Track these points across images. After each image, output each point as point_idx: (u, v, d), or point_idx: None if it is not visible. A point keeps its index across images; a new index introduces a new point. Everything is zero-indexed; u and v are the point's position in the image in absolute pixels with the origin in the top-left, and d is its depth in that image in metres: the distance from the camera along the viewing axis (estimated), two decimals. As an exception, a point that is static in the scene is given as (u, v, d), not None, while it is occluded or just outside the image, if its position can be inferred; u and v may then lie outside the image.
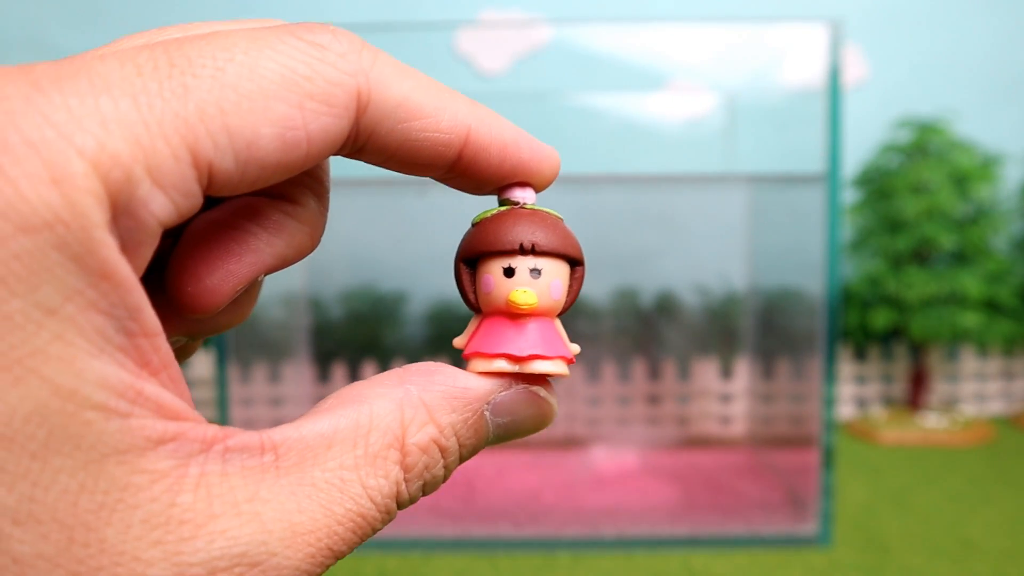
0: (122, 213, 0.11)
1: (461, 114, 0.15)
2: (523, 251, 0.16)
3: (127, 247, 0.12)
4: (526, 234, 0.16)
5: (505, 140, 0.16)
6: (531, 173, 0.17)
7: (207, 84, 0.12)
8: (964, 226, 0.72)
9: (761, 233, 0.68)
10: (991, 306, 0.74)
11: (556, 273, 0.16)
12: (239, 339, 0.57)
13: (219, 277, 0.15)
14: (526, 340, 0.16)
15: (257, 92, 0.12)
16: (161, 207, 0.12)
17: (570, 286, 0.17)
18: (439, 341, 0.69)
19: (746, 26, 0.63)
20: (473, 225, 0.17)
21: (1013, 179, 0.80)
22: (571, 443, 0.71)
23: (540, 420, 0.17)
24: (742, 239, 0.70)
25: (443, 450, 0.15)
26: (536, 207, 0.17)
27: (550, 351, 0.16)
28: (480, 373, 0.16)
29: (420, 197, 0.64)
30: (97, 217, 0.11)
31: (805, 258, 0.52)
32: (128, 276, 0.11)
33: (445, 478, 0.15)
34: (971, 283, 0.70)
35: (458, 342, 0.17)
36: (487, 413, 0.16)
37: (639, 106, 0.76)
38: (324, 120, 0.13)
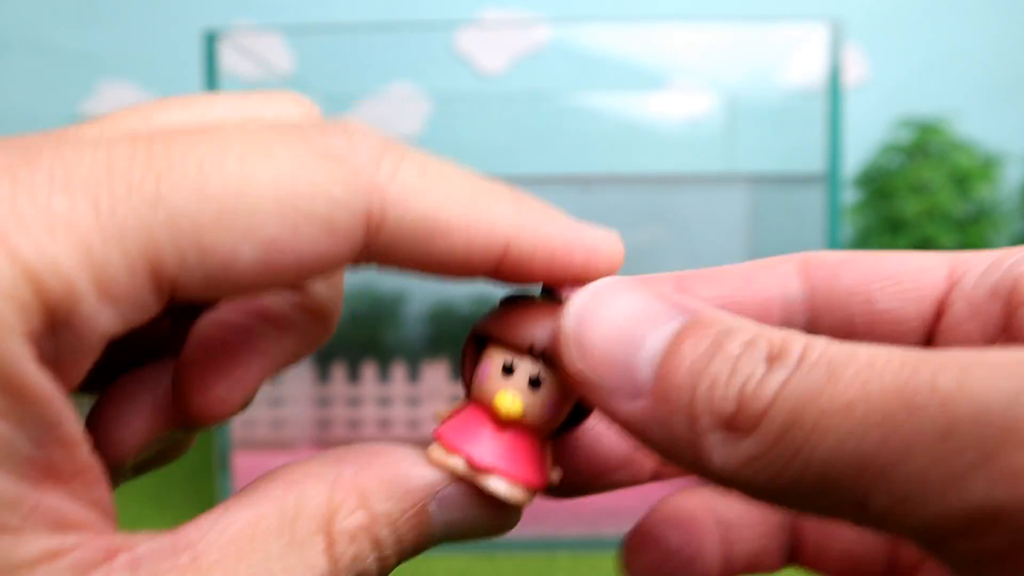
0: (59, 325, 0.10)
1: (499, 225, 0.13)
2: (532, 354, 0.14)
3: (61, 359, 0.11)
4: (541, 337, 0.14)
5: (554, 246, 0.14)
6: (584, 277, 0.14)
7: (185, 194, 0.11)
8: (965, 226, 0.72)
9: (761, 233, 0.68)
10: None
11: (560, 392, 0.14)
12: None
13: (228, 386, 0.14)
14: (495, 448, 0.14)
15: (243, 209, 0.11)
16: (107, 322, 0.11)
17: (569, 414, 0.15)
18: (439, 341, 0.69)
19: (746, 26, 0.63)
20: (499, 303, 0.15)
21: (1014, 179, 0.80)
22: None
23: (496, 525, 0.15)
24: (742, 239, 0.70)
25: (375, 541, 0.13)
26: None
27: (514, 471, 0.14)
28: (433, 462, 0.14)
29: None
30: (15, 326, 0.10)
31: (805, 258, 0.52)
32: (45, 390, 0.10)
33: None
34: (971, 283, 0.70)
35: (439, 413, 0.15)
36: (432, 507, 0.14)
37: (639, 106, 0.76)
38: (321, 245, 0.11)
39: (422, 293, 0.69)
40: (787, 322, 0.15)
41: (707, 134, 0.76)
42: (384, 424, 0.74)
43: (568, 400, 0.15)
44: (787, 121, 0.59)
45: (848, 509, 0.10)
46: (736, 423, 0.11)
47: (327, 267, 0.12)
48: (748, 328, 0.12)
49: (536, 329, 0.14)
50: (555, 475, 0.15)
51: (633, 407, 0.12)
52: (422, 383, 0.73)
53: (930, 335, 0.14)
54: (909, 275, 0.14)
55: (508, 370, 0.14)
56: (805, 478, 0.10)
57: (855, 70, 0.80)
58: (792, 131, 0.57)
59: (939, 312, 0.14)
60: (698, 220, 0.71)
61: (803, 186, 0.52)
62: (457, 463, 0.14)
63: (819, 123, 0.49)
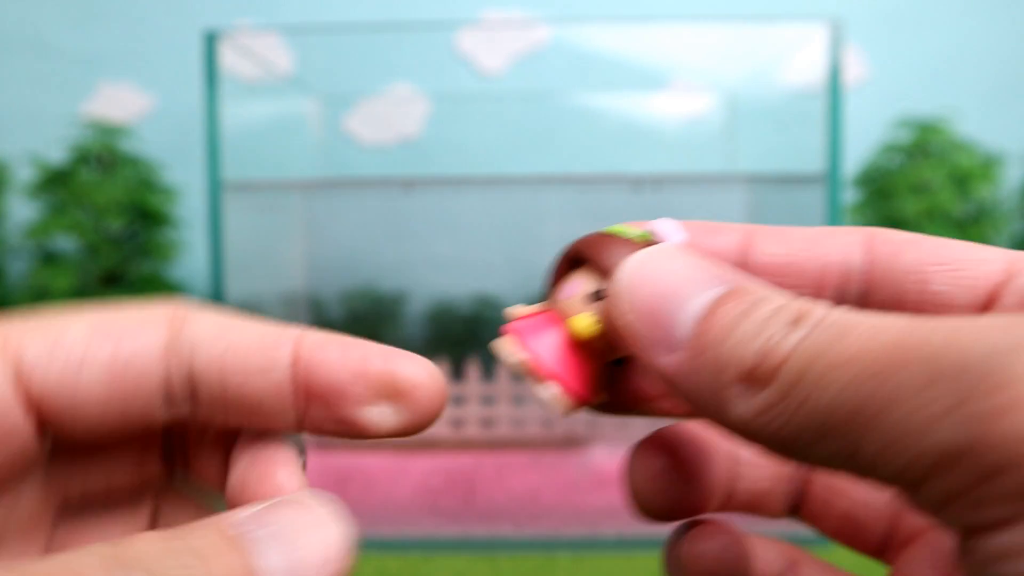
0: None
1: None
2: None
3: None
4: None
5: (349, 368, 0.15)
6: (391, 393, 0.15)
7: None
8: (965, 226, 0.72)
9: (761, 233, 0.68)
10: (991, 306, 0.74)
11: None
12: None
13: (278, 486, 0.15)
14: (560, 359, 0.15)
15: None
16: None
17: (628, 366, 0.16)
18: (439, 341, 0.69)
19: (746, 26, 0.63)
20: (607, 231, 0.16)
21: (1014, 179, 0.80)
22: (571, 443, 0.71)
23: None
24: (742, 239, 0.70)
25: None
26: None
27: (568, 382, 0.15)
28: (503, 353, 0.15)
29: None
30: None
31: (805, 258, 0.52)
32: None
33: None
34: (971, 283, 0.70)
35: (511, 312, 0.16)
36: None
37: (639, 106, 0.76)
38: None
39: (422, 293, 0.69)
40: (842, 289, 0.16)
41: (707, 134, 0.76)
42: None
43: None
44: (787, 121, 0.59)
45: (844, 458, 0.11)
46: (755, 376, 0.12)
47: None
48: (779, 297, 0.12)
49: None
50: (601, 398, 0.16)
51: (670, 360, 0.13)
52: (422, 383, 0.73)
53: None
54: (968, 263, 0.15)
55: (598, 296, 0.15)
56: (809, 426, 0.11)
57: (855, 70, 0.80)
58: (792, 131, 0.57)
59: (990, 303, 0.14)
60: (698, 220, 0.71)
61: (803, 186, 0.52)
62: (525, 359, 0.15)
63: (819, 123, 0.49)
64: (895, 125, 0.74)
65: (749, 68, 0.67)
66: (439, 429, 0.72)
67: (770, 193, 0.65)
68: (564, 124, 0.77)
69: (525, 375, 0.15)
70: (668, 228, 0.16)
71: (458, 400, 0.73)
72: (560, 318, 0.15)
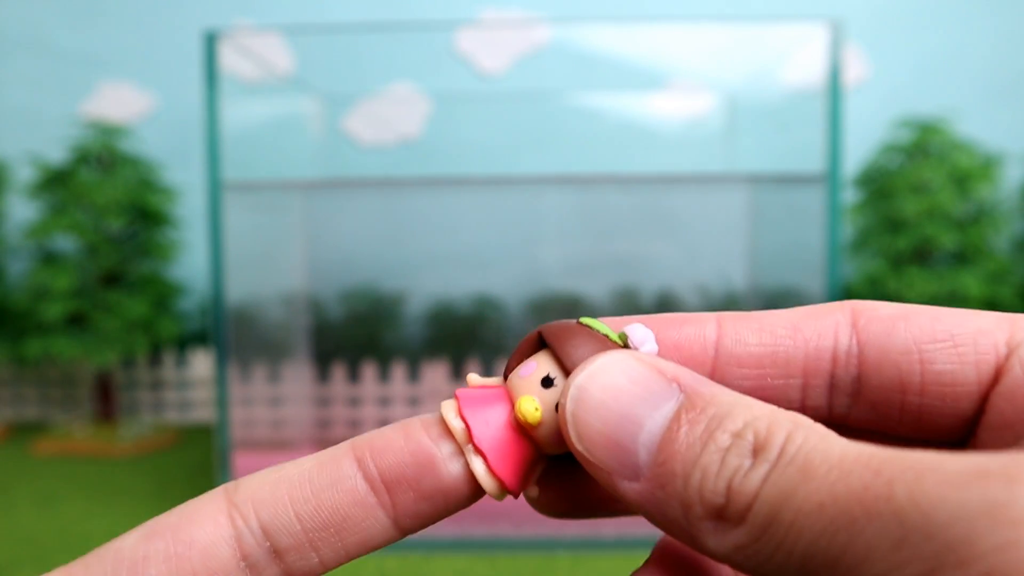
0: None
1: None
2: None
3: None
4: None
5: None
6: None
7: None
8: (965, 226, 0.72)
9: (761, 233, 0.68)
10: (992, 306, 0.74)
11: None
12: (239, 339, 0.57)
13: None
14: (495, 437, 0.14)
15: None
16: None
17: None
18: (439, 341, 0.69)
19: (746, 26, 0.63)
20: (578, 321, 0.15)
21: (1013, 179, 0.80)
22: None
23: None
24: (742, 239, 0.70)
25: None
26: None
27: (498, 464, 0.14)
28: (441, 412, 0.15)
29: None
30: None
31: (805, 258, 0.52)
32: None
33: None
34: (972, 283, 0.70)
35: (473, 379, 0.16)
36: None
37: (639, 106, 0.76)
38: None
39: (422, 293, 0.69)
40: (836, 375, 0.15)
41: (707, 134, 0.76)
42: (384, 424, 0.74)
43: None
44: (787, 121, 0.59)
45: None
46: (725, 516, 0.12)
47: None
48: (739, 414, 0.12)
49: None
50: (532, 491, 0.15)
51: (632, 488, 0.13)
52: (422, 383, 0.73)
53: (985, 399, 0.14)
54: (967, 336, 0.14)
55: (547, 383, 0.14)
56: (788, 568, 0.11)
57: (855, 70, 0.80)
58: (792, 131, 0.57)
59: (996, 377, 0.14)
60: (698, 220, 0.71)
61: (803, 186, 0.52)
62: (458, 426, 0.14)
63: (819, 123, 0.49)
64: (895, 125, 0.74)
65: (749, 68, 0.67)
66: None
67: (770, 193, 0.65)
68: (564, 124, 0.77)
69: (457, 443, 0.14)
70: (641, 335, 0.15)
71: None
72: (511, 397, 0.15)
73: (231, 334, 0.52)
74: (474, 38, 0.77)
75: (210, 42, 0.49)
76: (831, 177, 0.48)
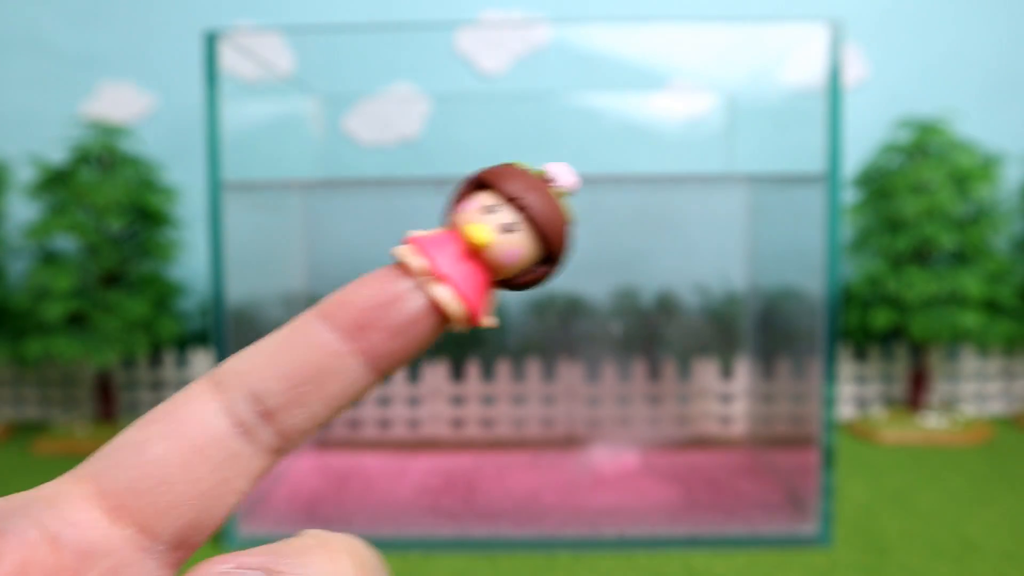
0: None
1: None
2: (515, 204, 0.16)
3: None
4: (529, 195, 0.16)
5: None
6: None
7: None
8: (964, 226, 0.72)
9: (761, 233, 0.68)
10: (991, 306, 0.74)
11: (524, 245, 0.16)
12: (239, 339, 0.57)
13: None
14: (455, 265, 0.16)
15: None
16: None
17: (524, 270, 0.17)
18: (439, 341, 0.69)
19: (746, 26, 0.63)
20: (503, 164, 0.17)
21: (1013, 179, 0.80)
22: (571, 443, 0.71)
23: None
24: (742, 239, 0.70)
25: None
26: (560, 193, 0.17)
27: (463, 289, 0.16)
28: (399, 257, 0.16)
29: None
30: None
31: (805, 258, 0.52)
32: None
33: None
34: (971, 283, 0.70)
35: (415, 232, 0.17)
36: None
37: (639, 106, 0.76)
38: None
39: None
40: None
41: (707, 134, 0.76)
42: (384, 424, 0.74)
43: (527, 257, 0.16)
44: (787, 121, 0.59)
45: None
46: None
47: None
48: None
49: (526, 189, 0.16)
50: (490, 320, 0.17)
51: None
52: (422, 383, 0.73)
53: None
54: None
55: (491, 210, 0.16)
56: None
57: (855, 70, 0.80)
58: (792, 131, 0.57)
59: None
60: (698, 220, 0.71)
61: (803, 186, 0.52)
62: (420, 263, 0.16)
63: (819, 123, 0.49)
64: (895, 125, 0.74)
65: (749, 68, 0.67)
66: (439, 429, 0.72)
67: (770, 193, 0.65)
68: (564, 124, 0.77)
69: (421, 278, 0.16)
70: (560, 171, 0.17)
71: (458, 400, 0.73)
72: (458, 233, 0.16)
73: (231, 334, 0.52)
74: (474, 38, 0.77)
75: (210, 42, 0.49)
76: (831, 177, 0.48)
